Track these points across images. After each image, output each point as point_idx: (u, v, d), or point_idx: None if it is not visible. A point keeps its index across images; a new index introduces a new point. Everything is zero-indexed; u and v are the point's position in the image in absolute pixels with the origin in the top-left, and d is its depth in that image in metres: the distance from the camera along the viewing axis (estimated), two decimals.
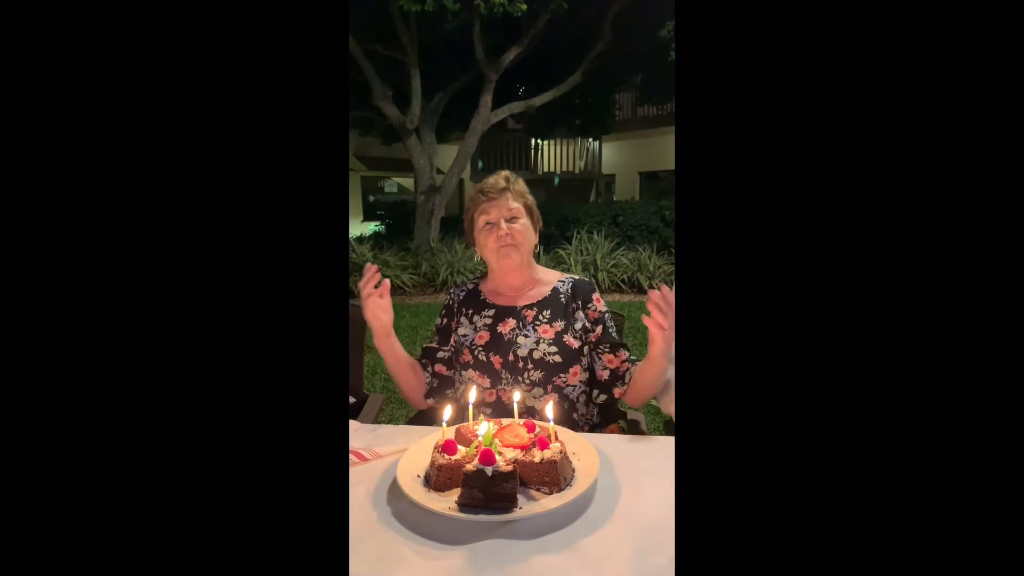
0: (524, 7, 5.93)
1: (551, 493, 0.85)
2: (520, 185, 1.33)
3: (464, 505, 0.82)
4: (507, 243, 1.27)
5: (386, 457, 1.02)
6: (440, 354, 1.35)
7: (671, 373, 1.28)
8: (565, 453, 0.90)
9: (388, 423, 2.24)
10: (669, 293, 1.04)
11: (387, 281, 1.16)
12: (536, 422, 1.00)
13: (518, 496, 0.83)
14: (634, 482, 0.92)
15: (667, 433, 1.45)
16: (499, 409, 1.25)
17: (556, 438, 0.91)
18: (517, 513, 0.81)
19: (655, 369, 1.18)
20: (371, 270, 1.15)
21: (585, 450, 0.96)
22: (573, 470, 0.90)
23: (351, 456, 1.01)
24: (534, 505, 0.83)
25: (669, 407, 1.32)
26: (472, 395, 1.04)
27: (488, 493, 0.82)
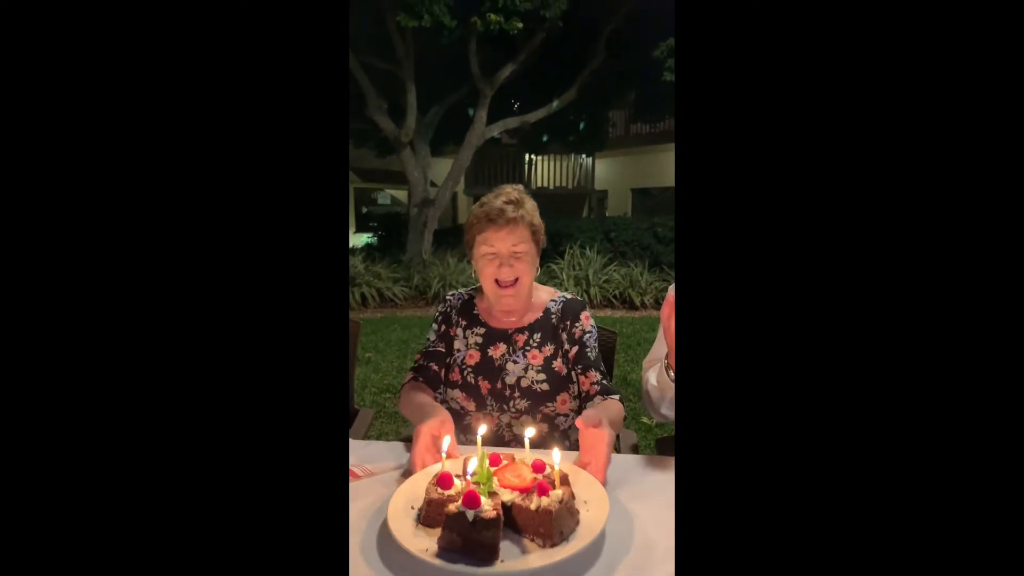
0: (520, 25, 6.01)
1: (544, 546, 0.76)
2: (528, 207, 1.23)
3: (444, 549, 0.74)
4: (507, 285, 1.22)
5: (378, 474, 1.01)
6: (447, 359, 1.31)
7: (671, 393, 1.28)
8: (568, 502, 0.79)
9: (378, 439, 2.22)
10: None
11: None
12: (547, 462, 0.87)
13: (508, 543, 0.76)
14: (626, 501, 0.91)
15: (659, 453, 1.45)
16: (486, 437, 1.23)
17: (561, 483, 0.82)
18: (497, 567, 0.72)
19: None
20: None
21: (597, 500, 0.84)
22: (577, 523, 0.80)
23: None
24: (518, 560, 0.74)
25: (665, 416, 1.32)
26: (482, 429, 0.94)
27: (467, 539, 0.73)
